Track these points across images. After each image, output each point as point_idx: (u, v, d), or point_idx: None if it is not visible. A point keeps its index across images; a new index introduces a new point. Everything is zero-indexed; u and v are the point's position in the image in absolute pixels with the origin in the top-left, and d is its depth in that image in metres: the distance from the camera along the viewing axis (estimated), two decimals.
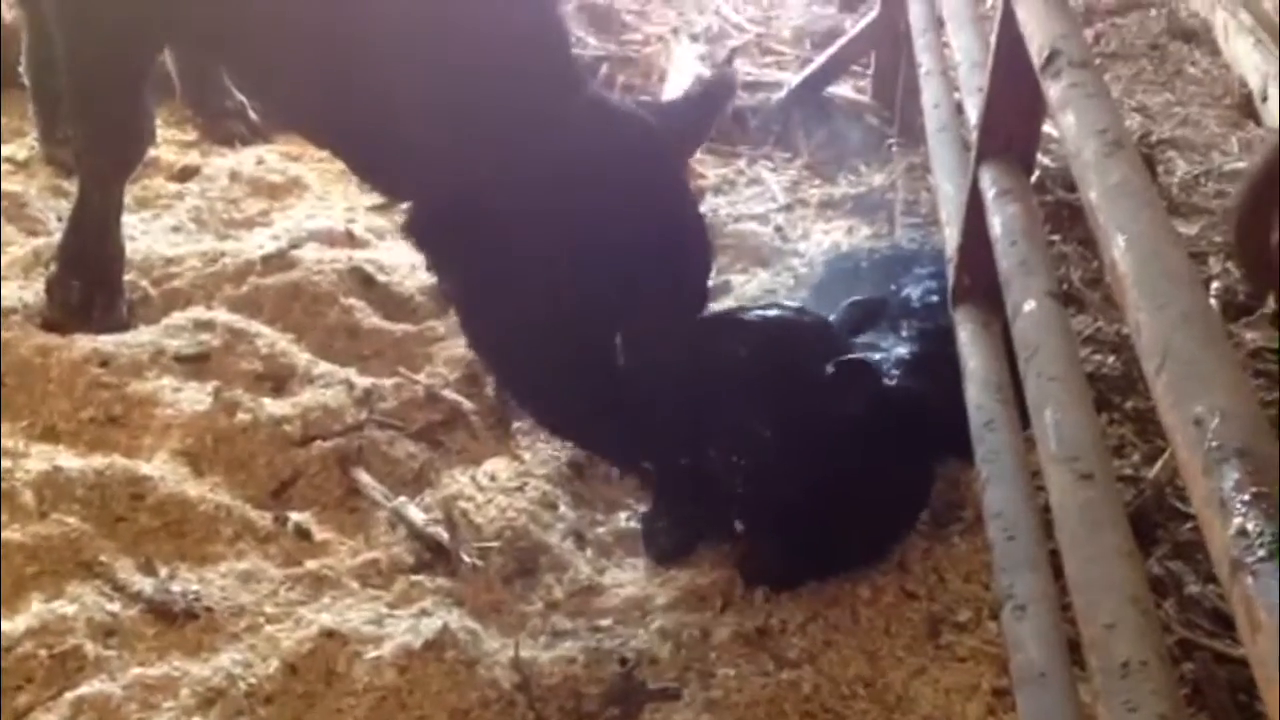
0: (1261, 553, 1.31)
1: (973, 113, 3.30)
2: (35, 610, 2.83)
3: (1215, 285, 4.17)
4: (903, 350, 3.36)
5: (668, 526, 3.25)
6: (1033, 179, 3.81)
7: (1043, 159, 4.53)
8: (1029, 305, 2.61)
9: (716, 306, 4.11)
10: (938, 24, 4.33)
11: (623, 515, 3.38)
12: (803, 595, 3.10)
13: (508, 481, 3.35)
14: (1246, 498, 1.37)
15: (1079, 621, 1.99)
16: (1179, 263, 1.84)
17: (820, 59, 5.51)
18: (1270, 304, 4.11)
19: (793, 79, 5.55)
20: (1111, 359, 3.82)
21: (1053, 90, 2.42)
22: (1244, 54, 5.50)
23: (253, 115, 4.90)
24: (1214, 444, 1.46)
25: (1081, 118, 2.27)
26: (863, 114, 5.39)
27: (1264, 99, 5.32)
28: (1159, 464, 3.39)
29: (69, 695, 2.67)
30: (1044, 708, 2.20)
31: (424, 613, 2.92)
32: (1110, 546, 2.01)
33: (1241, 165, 5.02)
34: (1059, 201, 4.48)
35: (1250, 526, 1.34)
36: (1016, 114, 2.99)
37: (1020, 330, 2.61)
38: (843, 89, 5.56)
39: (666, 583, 3.16)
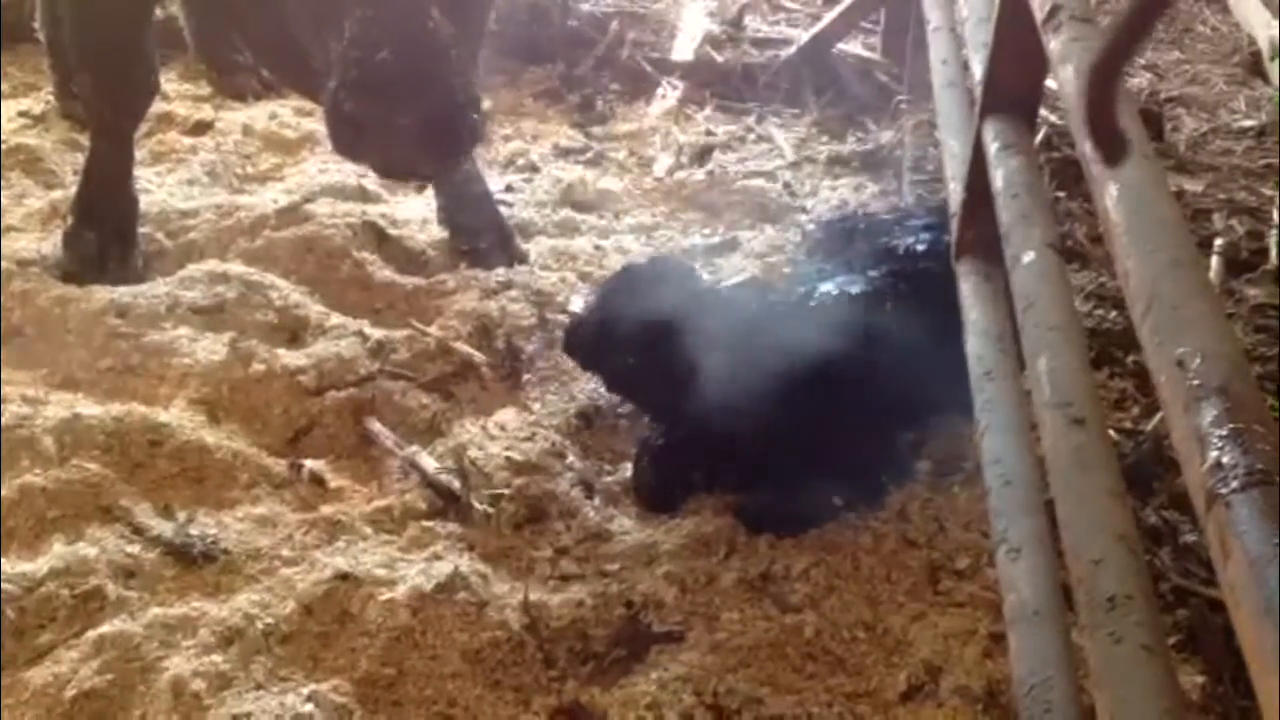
0: (1235, 484, 1.35)
1: (978, 69, 3.31)
2: (57, 551, 2.91)
3: (1219, 241, 4.20)
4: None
5: (654, 476, 3.32)
6: (1040, 136, 3.83)
7: (1050, 116, 4.56)
8: (1028, 256, 2.64)
9: (724, 263, 4.19)
10: None
11: (629, 466, 3.43)
12: (805, 542, 3.16)
13: (517, 431, 3.41)
14: (1224, 432, 1.42)
15: (1067, 559, 2.04)
16: (1169, 211, 1.88)
17: (830, 15, 5.52)
18: (1272, 260, 4.15)
19: (802, 35, 5.57)
20: (1114, 314, 3.86)
21: (1053, 44, 2.44)
22: (1253, 12, 5.50)
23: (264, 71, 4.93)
24: (1195, 382, 1.50)
25: (1081, 71, 2.29)
26: (872, 71, 5.41)
27: (1272, 58, 5.32)
28: (1157, 417, 3.44)
29: (90, 634, 2.75)
30: (1035, 645, 2.25)
31: (436, 557, 2.99)
32: (1100, 487, 2.05)
33: (1249, 123, 5.04)
34: (1065, 159, 4.51)
35: (1226, 459, 1.39)
36: (1019, 68, 3.01)
37: (1019, 281, 2.64)
38: (852, 46, 5.58)
39: (672, 530, 3.22)
